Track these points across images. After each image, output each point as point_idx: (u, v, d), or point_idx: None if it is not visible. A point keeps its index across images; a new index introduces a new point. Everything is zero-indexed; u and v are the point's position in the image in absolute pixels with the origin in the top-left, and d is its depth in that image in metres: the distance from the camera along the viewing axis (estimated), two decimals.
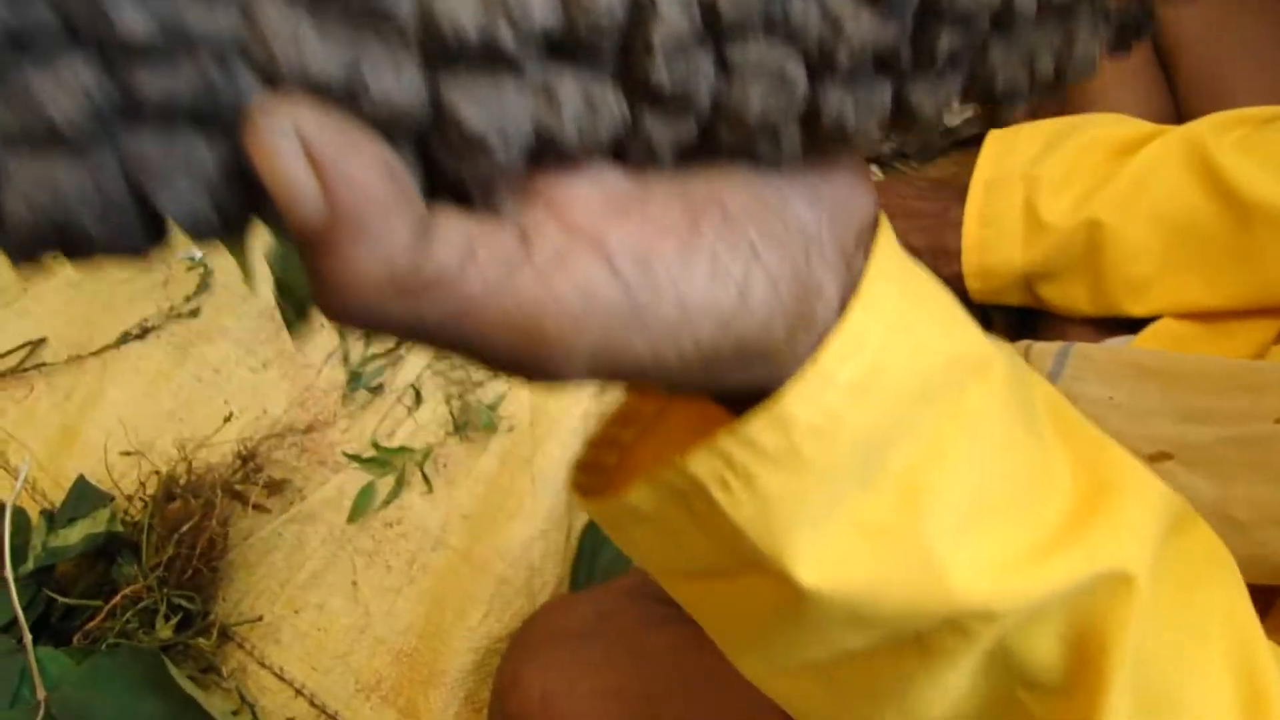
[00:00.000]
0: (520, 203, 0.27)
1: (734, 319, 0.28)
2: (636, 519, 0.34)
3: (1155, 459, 0.65)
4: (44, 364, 1.07)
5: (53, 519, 0.94)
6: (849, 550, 0.31)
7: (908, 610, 0.32)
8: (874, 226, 0.33)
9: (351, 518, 1.01)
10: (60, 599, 0.91)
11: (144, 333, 1.08)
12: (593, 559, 0.97)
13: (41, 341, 1.08)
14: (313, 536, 1.01)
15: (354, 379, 1.05)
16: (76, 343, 1.08)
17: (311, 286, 0.25)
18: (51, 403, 1.06)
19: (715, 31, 0.27)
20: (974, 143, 1.16)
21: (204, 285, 1.10)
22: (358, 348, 1.07)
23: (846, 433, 0.30)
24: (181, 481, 0.99)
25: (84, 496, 0.96)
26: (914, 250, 0.94)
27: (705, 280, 0.27)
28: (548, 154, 0.27)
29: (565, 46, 0.26)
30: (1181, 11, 0.93)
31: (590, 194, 0.28)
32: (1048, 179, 0.85)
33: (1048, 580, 0.33)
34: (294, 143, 0.23)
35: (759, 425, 0.29)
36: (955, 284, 0.90)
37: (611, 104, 0.27)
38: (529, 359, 0.26)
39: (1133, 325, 0.85)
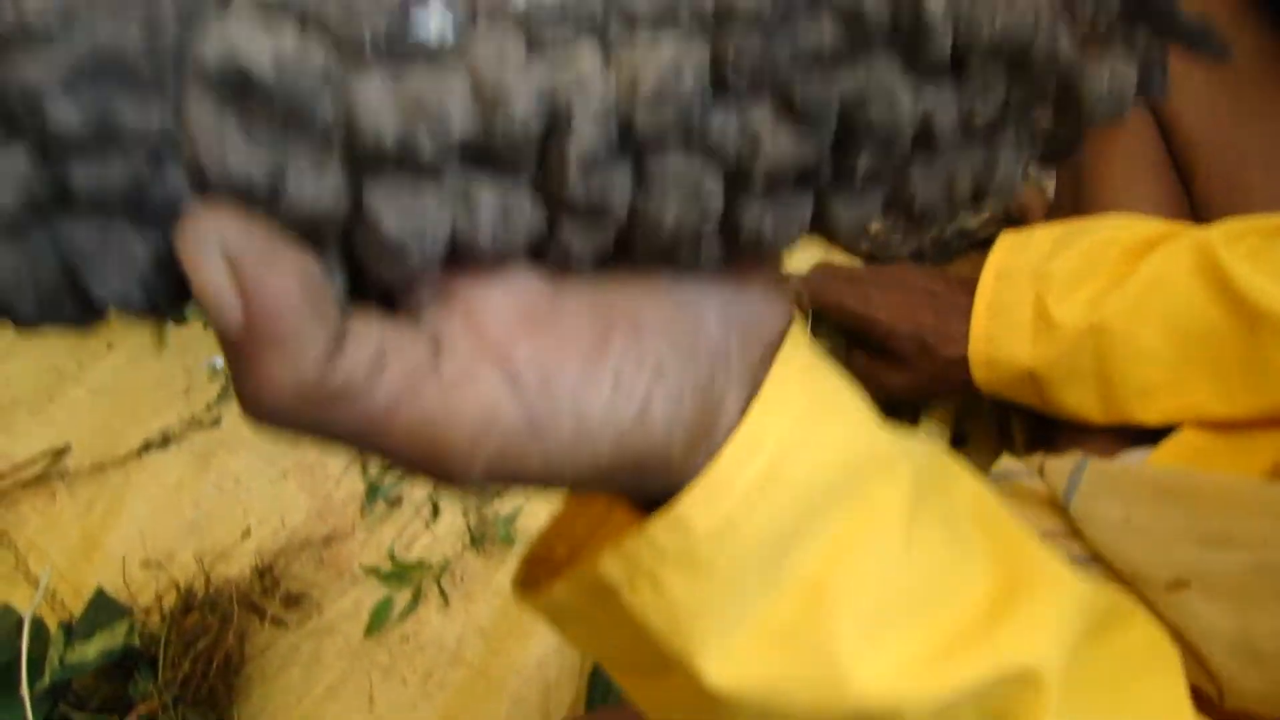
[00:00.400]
0: (438, 303, 0.28)
1: (632, 436, 0.29)
2: (566, 615, 0.35)
3: (1173, 587, 0.63)
4: (67, 472, 1.08)
5: (71, 631, 0.93)
6: (754, 652, 0.31)
7: (815, 711, 0.32)
8: (783, 338, 0.33)
9: (368, 631, 1.01)
10: (76, 714, 0.91)
11: (165, 441, 1.09)
12: (609, 679, 0.94)
13: (65, 449, 1.09)
14: (329, 650, 1.01)
15: (372, 491, 1.05)
16: (99, 450, 1.09)
17: (234, 385, 0.26)
18: (74, 512, 1.07)
19: (632, 144, 0.27)
20: (991, 244, 1.17)
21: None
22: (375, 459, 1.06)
23: (746, 536, 0.30)
24: (199, 595, 0.99)
25: (102, 609, 0.96)
26: (919, 325, 0.94)
27: (606, 399, 0.28)
28: (466, 257, 0.28)
29: (483, 155, 0.26)
30: (1201, 113, 0.93)
31: (505, 303, 0.28)
32: (1059, 277, 0.84)
33: (955, 679, 0.32)
34: (217, 253, 0.24)
35: (661, 528, 0.30)
36: (958, 366, 0.89)
37: (528, 212, 0.28)
38: (430, 465, 0.27)
39: (1152, 436, 0.84)
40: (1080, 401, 0.84)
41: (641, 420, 0.29)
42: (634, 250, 0.30)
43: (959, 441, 1.03)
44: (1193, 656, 0.62)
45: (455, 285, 0.29)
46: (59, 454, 1.10)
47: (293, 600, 1.02)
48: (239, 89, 0.24)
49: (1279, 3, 0.95)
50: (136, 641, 0.94)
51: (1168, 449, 0.80)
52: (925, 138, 0.30)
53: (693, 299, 0.32)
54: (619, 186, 0.28)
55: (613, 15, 0.27)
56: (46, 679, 0.89)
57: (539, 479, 0.28)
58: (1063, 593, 0.36)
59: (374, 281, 0.29)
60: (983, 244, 1.17)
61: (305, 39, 0.25)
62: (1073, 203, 1.01)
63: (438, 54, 0.26)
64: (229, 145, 0.25)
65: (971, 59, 0.30)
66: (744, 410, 0.31)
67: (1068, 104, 0.32)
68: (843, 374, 0.36)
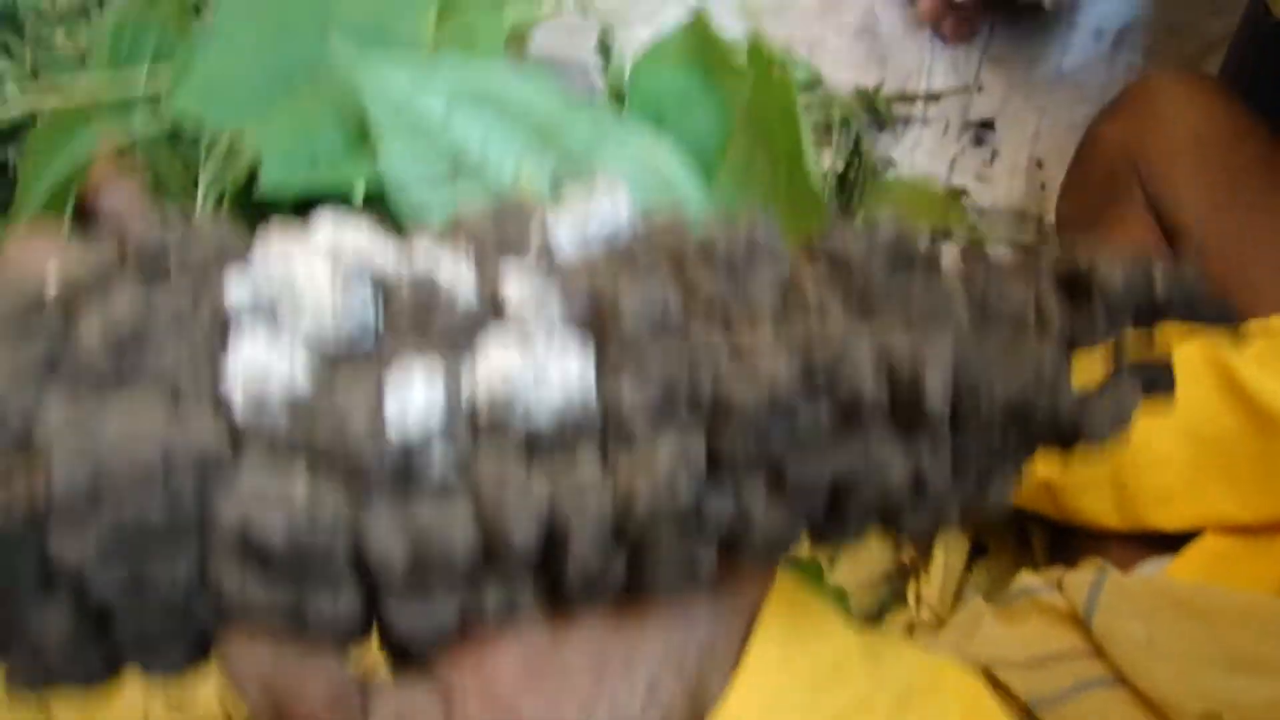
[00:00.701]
0: (449, 657, 0.30)
1: None
2: None
3: (1205, 719, 0.62)
4: None
5: None
6: None
7: None
8: (762, 605, 0.34)
9: None
10: None
11: None
12: None
13: None
14: None
15: None
16: None
17: None
18: None
19: (629, 539, 0.28)
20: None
21: None
22: None
23: None
24: None
25: None
26: None
27: None
28: (473, 623, 0.30)
29: (488, 563, 0.28)
30: (1204, 215, 0.94)
31: (510, 656, 0.31)
32: None
33: None
34: (256, 681, 0.28)
35: None
36: None
37: (530, 597, 0.30)
38: None
39: (1173, 542, 0.83)
40: (1097, 509, 0.83)
41: None
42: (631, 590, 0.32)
43: (978, 552, 1.02)
44: None
45: (464, 642, 0.31)
46: None
47: None
48: (257, 550, 0.26)
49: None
50: None
51: (1189, 557, 0.80)
52: (917, 488, 0.31)
53: (685, 606, 0.33)
54: (614, 574, 0.29)
55: (611, 419, 0.28)
56: None
57: None
58: None
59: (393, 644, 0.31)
60: None
61: (316, 487, 0.26)
62: None
63: (441, 484, 0.27)
64: (250, 590, 0.27)
65: (970, 420, 0.30)
66: (724, 688, 0.33)
67: (1067, 437, 0.32)
68: (828, 619, 0.37)
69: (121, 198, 0.35)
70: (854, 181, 0.36)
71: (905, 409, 0.29)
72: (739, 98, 0.41)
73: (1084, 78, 1.37)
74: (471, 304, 0.28)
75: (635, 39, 1.34)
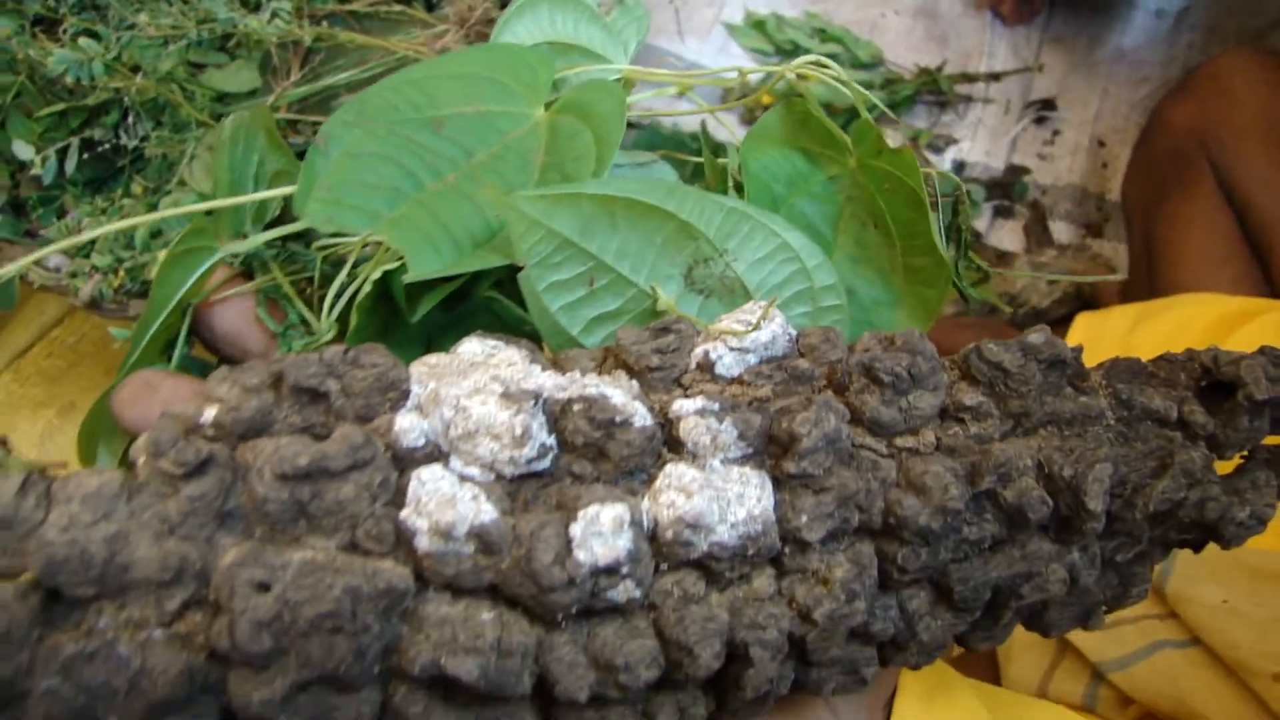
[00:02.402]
0: None
1: None
2: None
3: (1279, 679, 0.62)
4: None
5: None
6: None
7: None
8: (892, 694, 0.36)
9: None
10: None
11: None
12: None
13: None
14: None
15: None
16: None
17: None
18: None
19: (801, 651, 0.29)
20: (1063, 321, 1.19)
21: None
22: None
23: None
24: None
25: None
26: None
27: None
28: None
29: (666, 681, 0.28)
30: (1276, 195, 0.95)
31: None
32: (1143, 350, 0.84)
33: None
34: None
35: None
36: None
37: (700, 711, 0.30)
38: None
39: None
40: None
41: None
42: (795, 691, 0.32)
43: None
44: None
45: None
46: None
47: None
48: (445, 686, 0.25)
49: None
50: None
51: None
52: (1069, 588, 0.31)
53: (830, 701, 0.34)
54: (785, 682, 0.29)
55: (788, 542, 0.28)
56: None
57: None
58: None
59: None
60: (1053, 324, 1.21)
61: (504, 626, 0.25)
62: (1148, 283, 1.02)
63: (625, 609, 0.27)
64: None
65: (1121, 522, 0.30)
66: None
67: (1207, 531, 0.32)
68: (955, 687, 0.38)
69: (233, 317, 0.36)
70: (960, 250, 0.38)
71: (1065, 518, 0.29)
72: (845, 176, 0.40)
73: (1144, 57, 1.35)
74: (648, 431, 0.28)
75: (701, 19, 1.37)
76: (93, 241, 1.00)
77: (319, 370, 0.28)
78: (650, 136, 1.06)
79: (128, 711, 0.24)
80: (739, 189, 0.41)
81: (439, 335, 0.38)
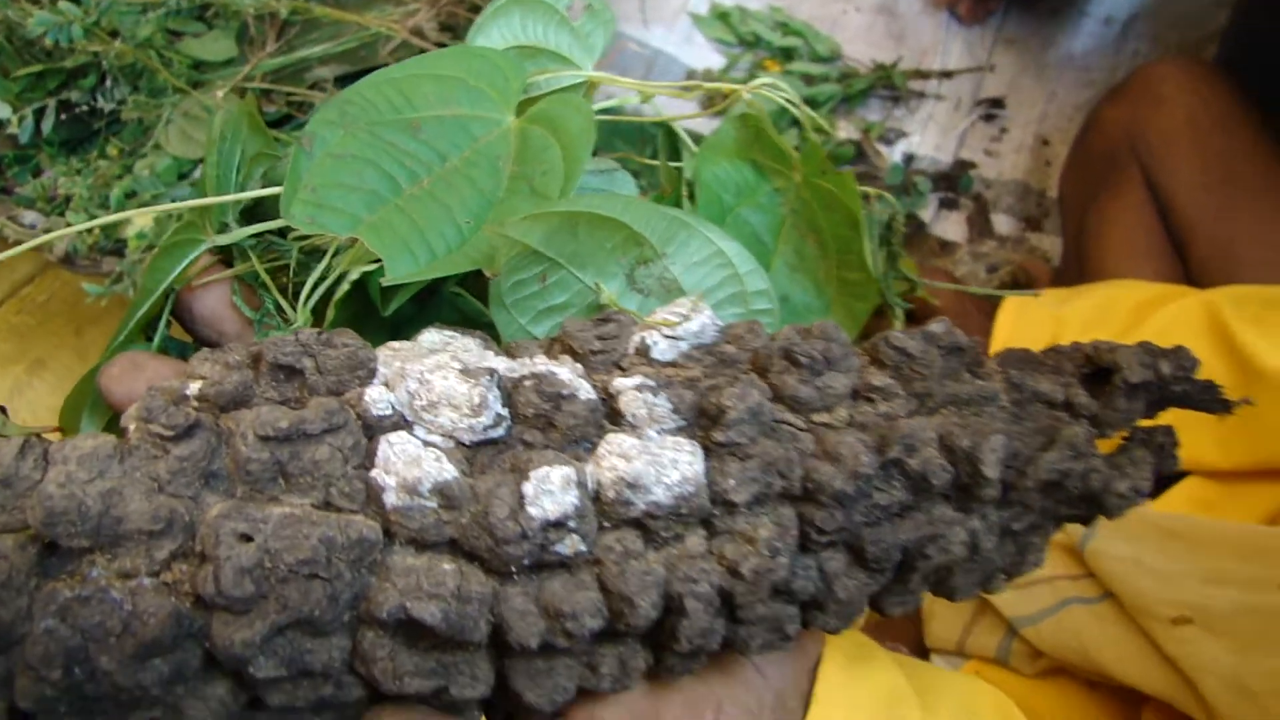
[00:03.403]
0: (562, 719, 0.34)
1: None
2: None
3: (1177, 623, 0.67)
4: None
5: None
6: None
7: None
8: (819, 660, 0.39)
9: None
10: None
11: None
12: None
13: None
14: None
15: None
16: None
17: None
18: None
19: (731, 607, 0.32)
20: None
21: None
22: None
23: None
24: None
25: None
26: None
27: None
28: (588, 694, 0.33)
29: (608, 634, 0.31)
30: (1195, 195, 0.98)
31: (617, 717, 0.35)
32: (1072, 322, 0.87)
33: None
34: None
35: None
36: None
37: (639, 663, 0.33)
38: None
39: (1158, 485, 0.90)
40: None
41: None
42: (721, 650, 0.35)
43: None
44: (1190, 688, 0.67)
45: (578, 706, 0.34)
46: None
47: None
48: (409, 628, 0.28)
49: (1268, 103, 1.02)
50: None
51: (1172, 497, 0.84)
52: (970, 552, 0.34)
53: (757, 662, 0.37)
54: (715, 636, 0.32)
55: (718, 503, 0.31)
56: None
57: None
58: None
59: (504, 709, 0.33)
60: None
61: (463, 576, 0.28)
62: (1077, 271, 1.07)
63: (572, 564, 0.29)
64: (401, 670, 0.28)
65: (1015, 492, 0.34)
66: None
67: (1091, 503, 0.35)
68: (875, 658, 0.42)
69: (210, 303, 0.38)
70: (890, 264, 0.43)
71: (964, 486, 0.33)
72: (790, 190, 0.43)
73: (1092, 62, 1.40)
74: (591, 404, 0.31)
75: (667, 8, 1.42)
76: (68, 199, 1.03)
77: (295, 349, 0.30)
78: (613, 127, 1.12)
79: (119, 651, 0.26)
80: (691, 195, 0.43)
81: (405, 326, 0.39)
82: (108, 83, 1.07)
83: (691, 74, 1.33)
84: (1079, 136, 1.15)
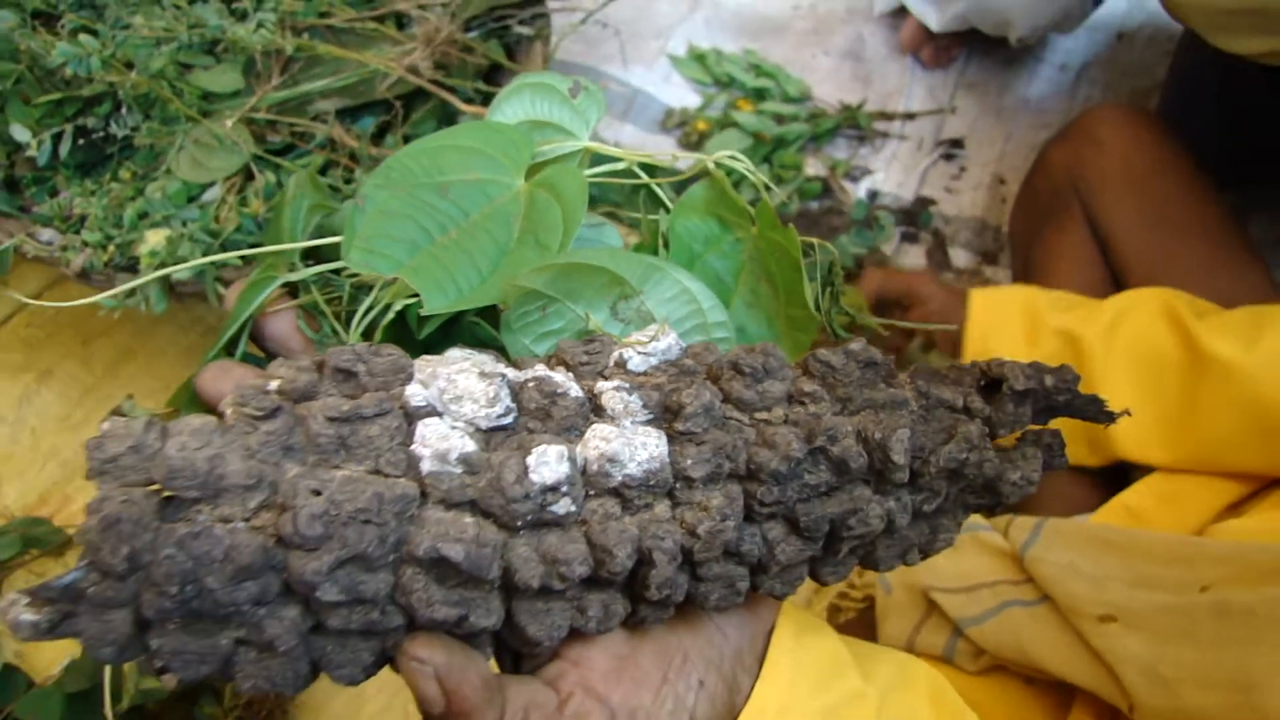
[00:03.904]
0: (557, 660, 0.42)
1: None
2: None
3: (1103, 620, 0.74)
4: None
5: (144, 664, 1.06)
6: None
7: None
8: (773, 627, 0.47)
9: None
10: None
11: None
12: None
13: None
14: (370, 683, 1.07)
15: None
16: None
17: None
18: None
19: (691, 562, 0.39)
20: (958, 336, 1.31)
21: None
22: None
23: None
24: None
25: None
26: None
27: (669, 715, 0.42)
28: (577, 633, 0.40)
29: (593, 580, 0.38)
30: (1132, 231, 1.06)
31: (602, 658, 0.42)
32: (1045, 298, 0.95)
33: None
34: (429, 671, 0.37)
35: None
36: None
37: (619, 608, 0.40)
38: None
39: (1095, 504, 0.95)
40: (1077, 453, 0.93)
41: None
42: (683, 607, 0.43)
43: None
44: (1111, 676, 0.73)
45: (568, 647, 0.41)
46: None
47: None
48: (439, 566, 0.35)
49: (1198, 149, 1.09)
50: None
51: (1107, 511, 0.91)
52: (888, 528, 0.42)
53: (718, 622, 0.45)
54: (679, 588, 0.39)
55: (679, 479, 0.38)
56: (125, 703, 1.01)
57: None
58: None
59: (512, 647, 0.41)
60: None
61: (480, 527, 0.35)
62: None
63: (565, 522, 0.37)
64: (432, 599, 0.36)
65: (922, 477, 0.41)
66: (753, 689, 0.44)
67: (990, 492, 0.43)
68: (822, 630, 0.48)
69: (280, 326, 0.45)
70: (830, 306, 0.50)
71: (878, 471, 0.40)
72: (748, 240, 0.51)
73: (1047, 106, 1.48)
74: (580, 400, 0.38)
75: (647, 49, 1.49)
76: (83, 218, 1.09)
77: (351, 357, 0.38)
78: (605, 184, 1.18)
79: (220, 574, 0.33)
80: (665, 243, 0.51)
81: (435, 347, 0.46)
82: (122, 111, 1.13)
83: (669, 112, 1.40)
84: (1028, 176, 1.22)
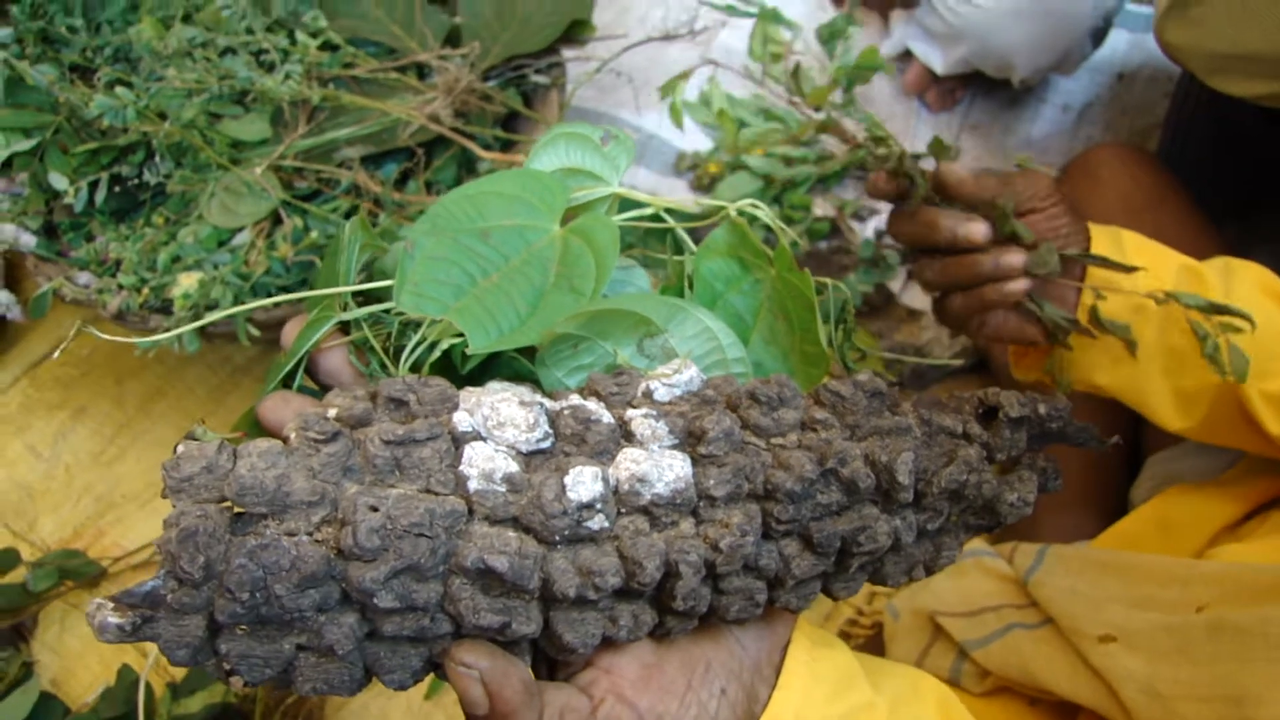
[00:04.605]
0: (590, 668, 0.44)
1: None
2: None
3: (1103, 640, 0.76)
4: None
5: (176, 690, 1.08)
6: None
7: None
8: (790, 640, 0.49)
9: (428, 695, 1.15)
10: None
11: None
12: None
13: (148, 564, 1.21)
14: (395, 710, 1.15)
15: None
16: None
17: None
18: None
19: (713, 575, 0.42)
20: (962, 372, 1.35)
21: None
22: None
23: None
24: None
25: (203, 672, 1.11)
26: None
27: (694, 718, 0.45)
28: (609, 642, 0.43)
29: (625, 591, 0.41)
30: (1103, 208, 1.08)
31: (631, 666, 0.45)
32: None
33: None
34: (475, 675, 0.40)
35: None
36: None
37: (648, 619, 0.43)
38: None
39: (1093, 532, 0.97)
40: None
41: None
42: (706, 620, 0.45)
43: None
44: (1111, 694, 0.74)
45: (600, 655, 0.44)
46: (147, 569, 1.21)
47: None
48: (485, 576, 0.38)
49: (1196, 185, 1.11)
50: (233, 699, 1.08)
51: (1107, 538, 0.95)
52: (895, 546, 0.44)
53: (738, 635, 0.47)
54: (703, 600, 0.42)
55: (702, 498, 0.41)
56: None
57: None
58: None
59: (545, 654, 0.44)
60: (954, 373, 1.36)
61: (522, 541, 0.38)
62: None
63: (599, 538, 0.40)
64: (479, 607, 0.39)
65: (926, 498, 0.44)
66: (770, 698, 0.47)
67: (989, 512, 0.46)
68: (836, 645, 0.51)
69: (334, 361, 0.48)
70: (843, 342, 0.53)
71: (885, 492, 0.43)
72: (766, 281, 0.54)
73: (1050, 145, 1.51)
74: (611, 427, 0.42)
75: (659, 96, 1.53)
76: (119, 262, 1.13)
77: (403, 387, 0.41)
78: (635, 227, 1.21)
79: (287, 582, 0.36)
80: (690, 284, 0.55)
81: (474, 380, 0.50)
82: (155, 159, 1.17)
83: (682, 156, 1.44)
84: None
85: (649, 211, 0.54)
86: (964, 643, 0.87)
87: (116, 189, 1.16)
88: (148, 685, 1.07)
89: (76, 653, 1.18)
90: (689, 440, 0.43)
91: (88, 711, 1.04)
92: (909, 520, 0.45)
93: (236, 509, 0.37)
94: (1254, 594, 0.70)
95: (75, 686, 1.15)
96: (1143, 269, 0.46)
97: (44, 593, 1.15)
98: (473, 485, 0.39)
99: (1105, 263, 0.76)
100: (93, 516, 1.25)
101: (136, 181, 1.16)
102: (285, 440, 0.39)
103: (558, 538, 0.39)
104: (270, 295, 1.09)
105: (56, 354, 1.31)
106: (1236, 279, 0.85)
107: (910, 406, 0.47)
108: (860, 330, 1.08)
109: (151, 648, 1.14)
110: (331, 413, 0.40)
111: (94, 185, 1.15)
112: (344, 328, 0.49)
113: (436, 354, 0.47)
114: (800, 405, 0.45)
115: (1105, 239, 0.85)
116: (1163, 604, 0.76)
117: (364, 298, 0.50)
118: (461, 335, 0.46)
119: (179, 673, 1.12)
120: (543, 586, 0.39)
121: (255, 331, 1.06)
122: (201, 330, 1.06)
